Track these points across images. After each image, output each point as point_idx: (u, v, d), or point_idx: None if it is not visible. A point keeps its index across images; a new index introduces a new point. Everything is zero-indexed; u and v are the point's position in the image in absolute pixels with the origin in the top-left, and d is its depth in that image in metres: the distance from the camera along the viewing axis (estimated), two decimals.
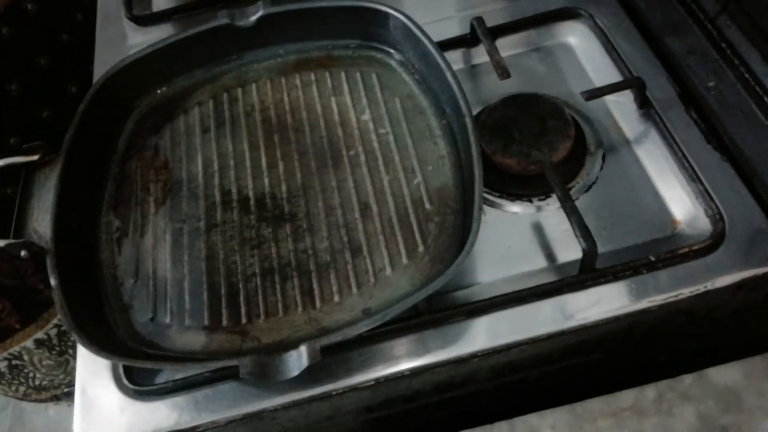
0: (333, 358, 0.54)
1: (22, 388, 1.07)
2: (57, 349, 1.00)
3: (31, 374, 1.03)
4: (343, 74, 0.70)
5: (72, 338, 0.88)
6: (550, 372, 0.59)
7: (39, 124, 0.90)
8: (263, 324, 0.55)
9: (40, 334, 0.95)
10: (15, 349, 0.94)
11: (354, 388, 0.53)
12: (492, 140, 0.62)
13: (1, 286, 0.88)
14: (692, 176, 0.58)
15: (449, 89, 0.60)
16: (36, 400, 1.15)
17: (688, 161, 0.59)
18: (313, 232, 0.59)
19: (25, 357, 0.98)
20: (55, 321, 0.97)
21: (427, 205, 0.59)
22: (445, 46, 0.69)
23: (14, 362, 0.98)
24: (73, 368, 0.88)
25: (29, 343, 0.95)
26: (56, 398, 1.15)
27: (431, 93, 0.65)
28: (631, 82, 0.63)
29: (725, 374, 0.51)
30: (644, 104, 0.64)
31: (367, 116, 0.66)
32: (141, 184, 0.65)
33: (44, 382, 1.06)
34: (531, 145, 0.61)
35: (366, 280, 0.56)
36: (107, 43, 0.82)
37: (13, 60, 0.84)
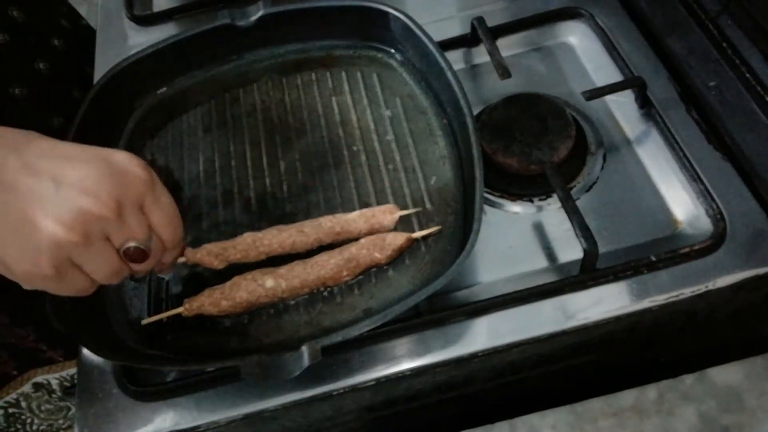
0: (334, 358, 0.54)
1: None
2: (57, 394, 0.97)
3: (29, 420, 0.98)
4: (343, 74, 0.70)
5: (72, 382, 0.86)
6: (551, 372, 0.59)
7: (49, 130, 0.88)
8: (264, 324, 0.55)
9: (39, 378, 0.91)
10: (12, 396, 0.91)
11: (355, 388, 0.53)
12: (493, 140, 0.62)
13: None
14: (693, 176, 0.58)
15: (450, 89, 0.60)
16: None
17: (689, 161, 0.59)
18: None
19: (23, 403, 0.93)
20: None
21: (428, 205, 0.59)
22: (445, 45, 0.69)
23: (11, 410, 0.93)
24: (74, 414, 0.86)
25: (27, 387, 0.92)
26: None
27: (432, 93, 0.66)
28: (632, 82, 0.63)
29: (726, 374, 0.51)
30: (645, 104, 0.64)
31: (368, 116, 0.66)
32: None
33: (42, 428, 1.03)
34: (532, 145, 0.61)
35: (367, 280, 0.56)
36: (108, 43, 0.82)
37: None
